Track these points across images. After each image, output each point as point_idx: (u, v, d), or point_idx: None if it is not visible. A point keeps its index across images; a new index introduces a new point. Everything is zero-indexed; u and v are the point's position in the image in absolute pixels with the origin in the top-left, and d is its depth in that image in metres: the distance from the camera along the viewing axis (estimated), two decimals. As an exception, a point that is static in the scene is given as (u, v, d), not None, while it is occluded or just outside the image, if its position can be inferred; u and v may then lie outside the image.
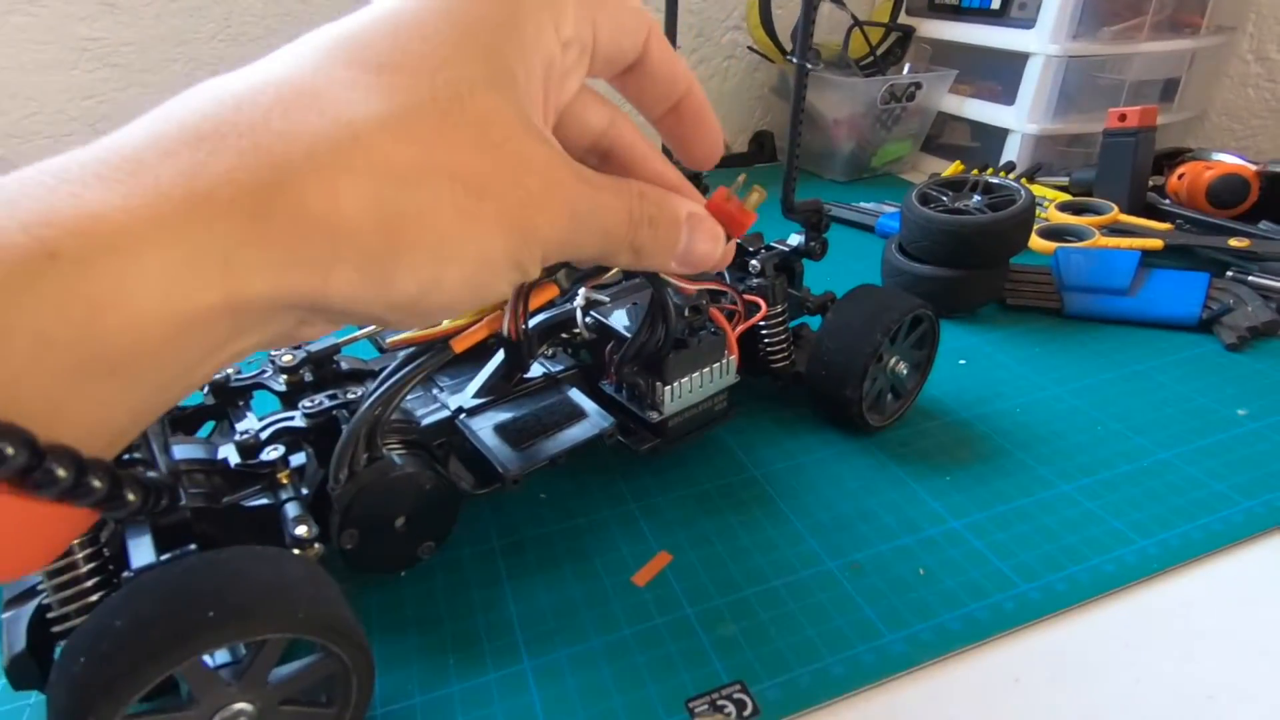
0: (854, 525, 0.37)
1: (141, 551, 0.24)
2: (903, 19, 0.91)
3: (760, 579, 0.34)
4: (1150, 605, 0.33)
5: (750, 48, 0.92)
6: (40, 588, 0.25)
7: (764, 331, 0.43)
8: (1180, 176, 0.69)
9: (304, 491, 0.30)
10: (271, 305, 0.15)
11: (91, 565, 0.24)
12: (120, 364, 0.13)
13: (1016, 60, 0.79)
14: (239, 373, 0.35)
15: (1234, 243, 0.59)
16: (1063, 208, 0.68)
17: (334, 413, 0.32)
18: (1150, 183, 0.72)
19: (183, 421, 0.36)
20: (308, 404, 0.31)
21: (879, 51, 0.88)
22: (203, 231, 0.14)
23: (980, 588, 0.33)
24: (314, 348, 0.34)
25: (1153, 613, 0.32)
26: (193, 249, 0.14)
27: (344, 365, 0.36)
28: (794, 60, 0.39)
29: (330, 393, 0.32)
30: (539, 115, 0.18)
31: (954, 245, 0.54)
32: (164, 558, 0.26)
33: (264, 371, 0.35)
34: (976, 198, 0.57)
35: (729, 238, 0.23)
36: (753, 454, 0.42)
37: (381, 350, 0.37)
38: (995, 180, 0.58)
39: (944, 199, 0.58)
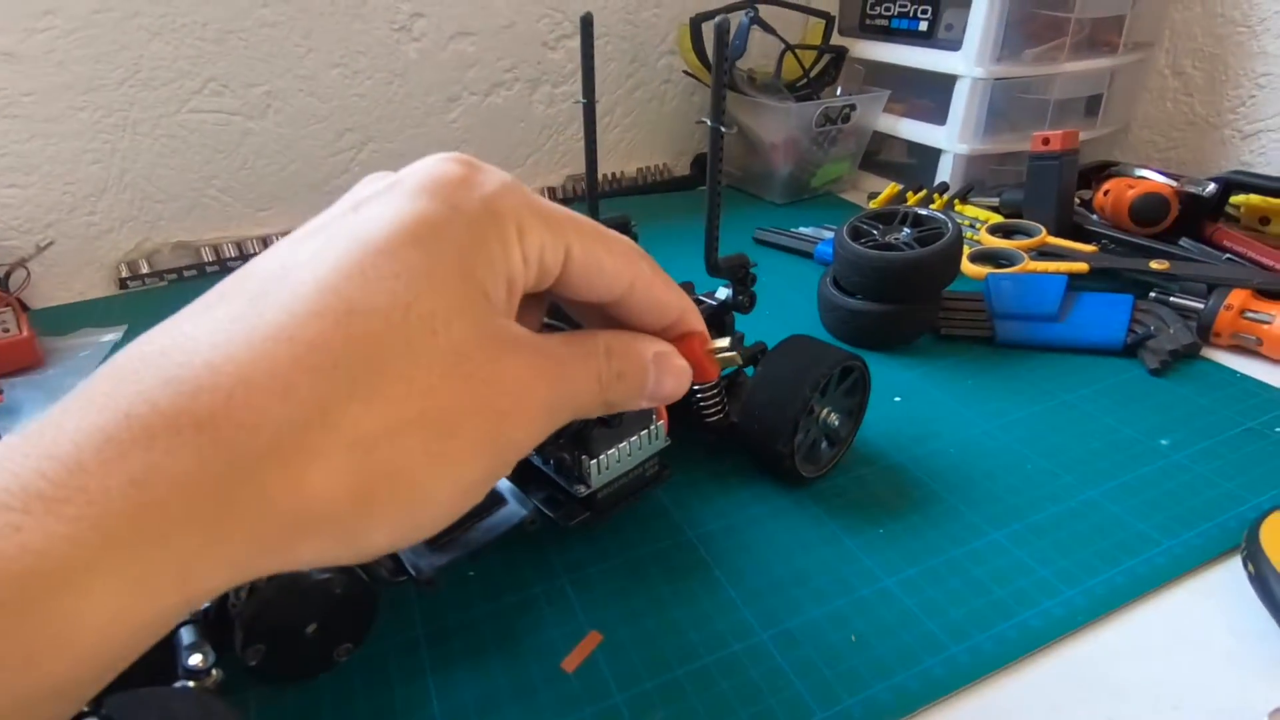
0: (787, 589, 0.37)
1: None
2: (835, 40, 0.91)
3: (692, 656, 0.33)
4: (1076, 660, 0.33)
5: (685, 71, 0.92)
6: None
7: (695, 387, 0.43)
8: (1106, 193, 0.71)
9: (205, 607, 0.29)
10: (231, 585, 0.15)
11: None
12: (65, 689, 0.13)
13: (945, 81, 0.80)
14: None
15: (1155, 265, 0.60)
16: (993, 230, 0.69)
17: None
18: (1078, 198, 0.74)
19: None
20: None
21: (813, 74, 0.88)
22: (157, 550, 0.13)
23: (911, 653, 0.33)
24: None
25: (1078, 669, 0.33)
26: (146, 569, 0.13)
27: None
28: (709, 122, 0.38)
29: None
30: (509, 318, 0.18)
31: (884, 281, 0.54)
32: None
33: None
34: (906, 230, 0.58)
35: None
36: (688, 514, 0.42)
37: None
38: (924, 212, 0.59)
39: (874, 233, 0.58)
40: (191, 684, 0.25)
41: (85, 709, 0.25)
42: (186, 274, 0.74)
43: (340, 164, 0.80)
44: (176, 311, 0.16)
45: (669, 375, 0.21)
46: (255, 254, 0.74)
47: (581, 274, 0.19)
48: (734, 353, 0.23)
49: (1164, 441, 0.46)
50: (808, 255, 0.74)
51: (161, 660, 0.27)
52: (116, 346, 0.61)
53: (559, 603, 0.36)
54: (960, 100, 0.78)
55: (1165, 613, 0.35)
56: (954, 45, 0.78)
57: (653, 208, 0.87)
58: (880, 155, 0.97)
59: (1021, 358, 0.56)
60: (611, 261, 0.20)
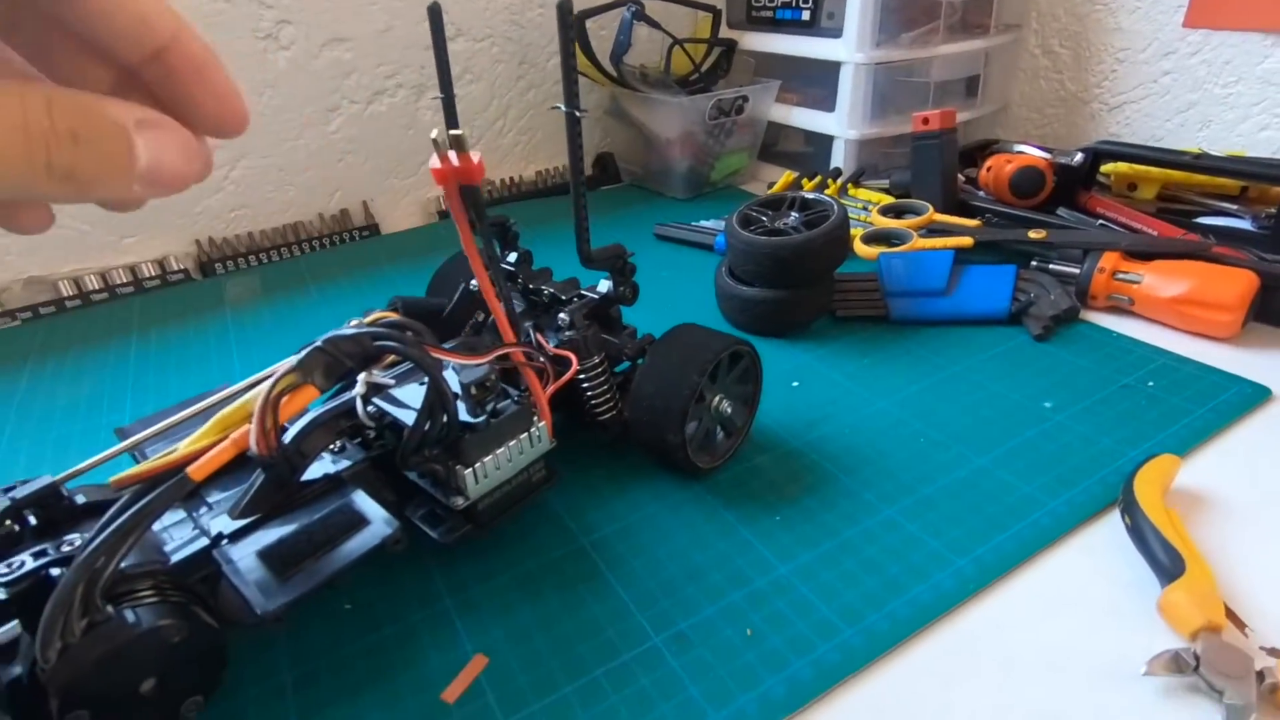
0: (681, 589, 0.35)
1: None
2: (724, 33, 0.91)
3: (582, 671, 0.32)
4: (966, 632, 0.33)
5: (583, 73, 0.90)
6: None
7: (584, 384, 0.41)
8: (988, 169, 0.73)
9: (15, 672, 0.25)
10: None
11: None
12: None
13: (831, 69, 0.81)
14: None
15: (1033, 235, 0.62)
16: (884, 211, 0.70)
17: (44, 573, 0.27)
18: (964, 176, 0.76)
19: None
20: (3, 569, 0.26)
21: (704, 68, 0.88)
22: None
23: (806, 641, 0.32)
24: (25, 490, 0.29)
25: (968, 640, 0.32)
26: None
27: (80, 499, 0.30)
28: (563, 109, 0.37)
29: (37, 548, 0.27)
30: None
31: (775, 267, 0.54)
32: None
33: None
34: (794, 215, 0.57)
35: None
36: (581, 519, 0.40)
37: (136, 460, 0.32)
38: (810, 196, 0.59)
39: (764, 219, 0.58)
40: None
41: None
42: (43, 310, 0.68)
43: (212, 183, 0.75)
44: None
45: (167, 145, 0.16)
46: (121, 284, 0.67)
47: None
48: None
49: (1047, 404, 0.47)
50: (708, 248, 0.74)
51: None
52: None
53: (442, 629, 0.34)
54: (845, 86, 0.79)
55: (1050, 574, 0.35)
56: (836, 33, 0.79)
57: (551, 211, 0.85)
58: (778, 146, 0.98)
59: (914, 333, 0.57)
60: None
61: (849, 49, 0.77)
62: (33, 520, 0.29)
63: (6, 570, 0.26)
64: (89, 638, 0.25)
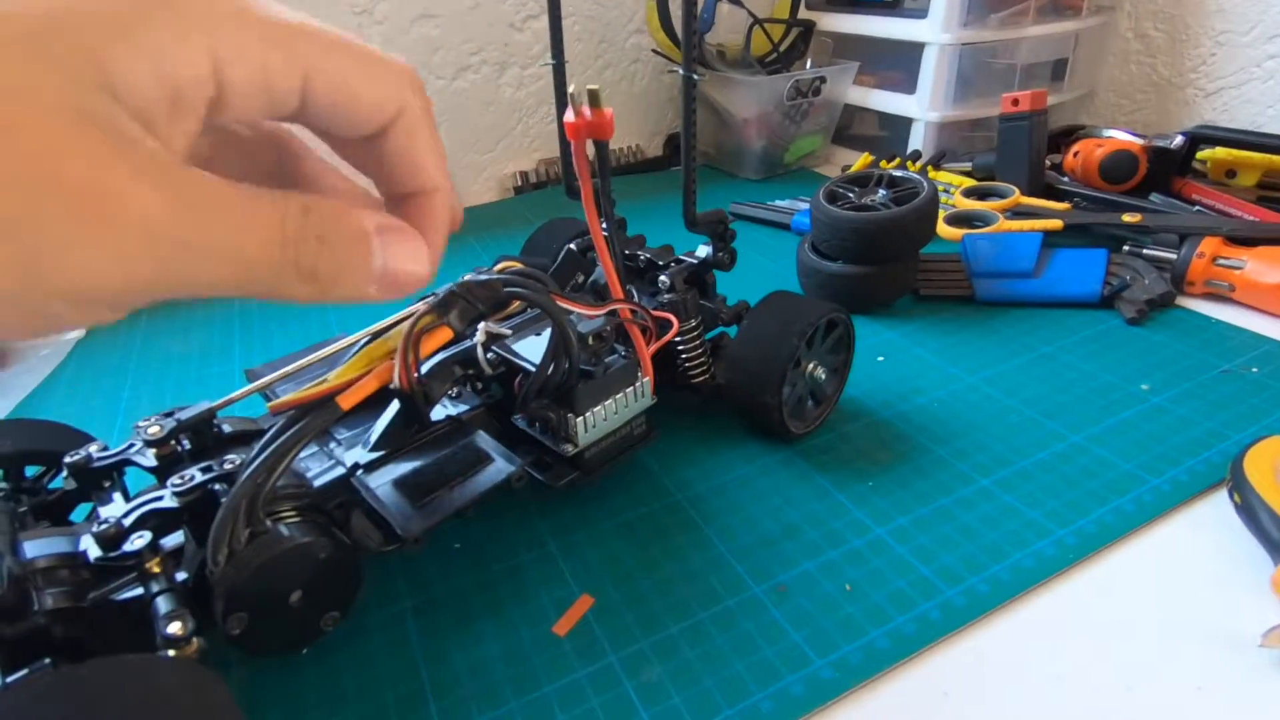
0: (779, 544, 0.36)
1: None
2: (803, 14, 0.91)
3: (686, 613, 0.33)
4: (1069, 598, 0.33)
5: (654, 50, 0.91)
6: None
7: (680, 347, 0.42)
8: (1075, 154, 0.71)
9: (182, 576, 0.28)
10: None
11: None
12: None
13: (913, 50, 0.80)
14: (104, 449, 0.32)
15: (1127, 218, 0.60)
16: (968, 193, 0.69)
17: (210, 487, 0.29)
18: (1049, 161, 0.74)
19: (49, 508, 0.32)
20: (177, 480, 0.28)
21: (782, 48, 0.88)
22: None
23: (906, 598, 0.33)
24: (186, 414, 0.31)
25: (1072, 605, 0.32)
26: None
27: (226, 429, 0.33)
28: (680, 72, 0.37)
29: (204, 465, 0.29)
30: (155, 137, 0.14)
31: (863, 242, 0.54)
32: (13, 678, 0.23)
33: (131, 445, 0.31)
34: (881, 192, 0.57)
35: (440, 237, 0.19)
36: (675, 476, 0.41)
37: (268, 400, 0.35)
38: (899, 173, 0.58)
39: (850, 195, 0.58)
40: (172, 653, 0.25)
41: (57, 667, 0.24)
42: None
43: (306, 153, 0.79)
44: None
45: (403, 251, 0.17)
46: None
47: (327, 105, 0.16)
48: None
49: (1144, 386, 0.46)
50: (784, 227, 0.74)
51: (139, 630, 0.26)
52: (78, 346, 0.60)
53: (548, 569, 0.36)
54: (929, 68, 0.78)
55: (1156, 546, 0.35)
56: (920, 13, 0.78)
57: (626, 189, 0.86)
58: (852, 129, 0.97)
59: (1000, 314, 0.56)
60: (370, 90, 0.16)
61: (934, 29, 0.76)
62: (186, 444, 0.32)
63: (180, 482, 0.28)
64: (252, 546, 0.27)
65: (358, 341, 0.36)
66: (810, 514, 0.38)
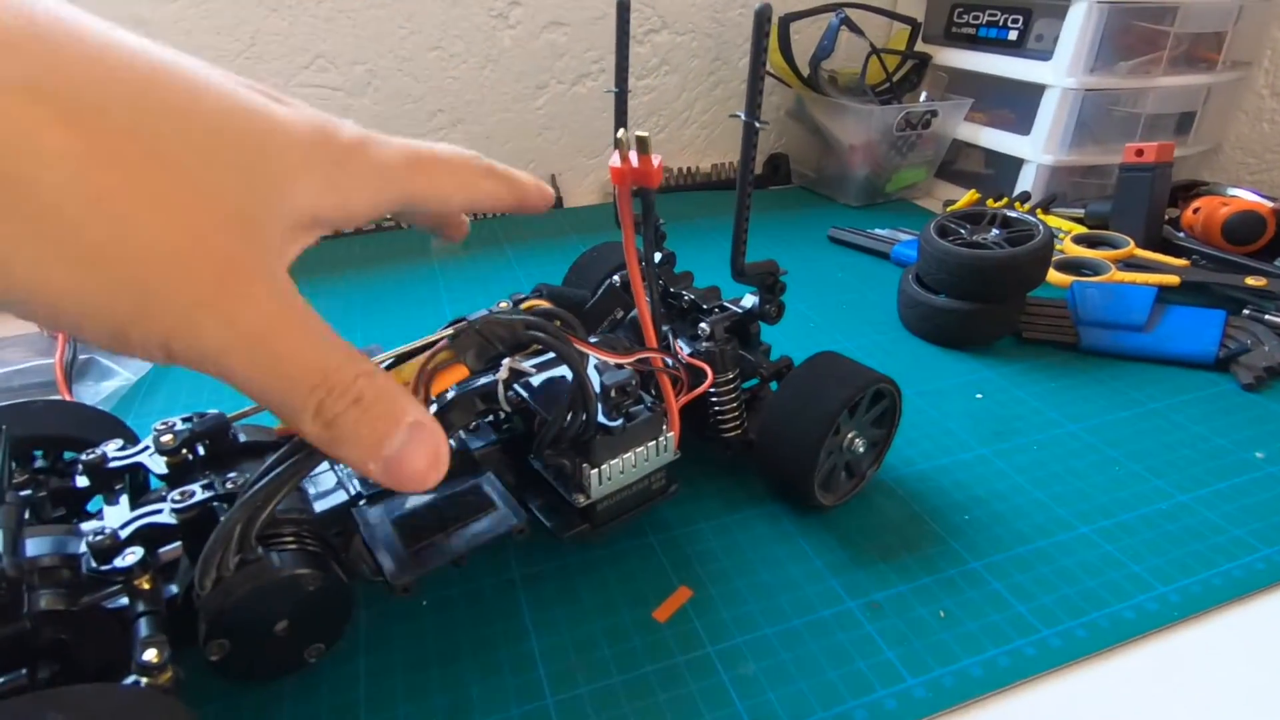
0: (873, 565, 0.37)
1: None
2: (919, 47, 0.91)
3: (781, 618, 0.34)
4: (1172, 654, 0.33)
5: (769, 72, 0.93)
6: None
7: (713, 399, 0.40)
8: (1196, 211, 0.69)
9: (174, 591, 0.27)
10: None
11: None
12: None
13: (1033, 91, 0.79)
14: (121, 448, 0.31)
15: (1251, 281, 0.59)
16: (1078, 240, 0.69)
17: (210, 505, 0.28)
18: (1166, 215, 0.73)
19: (71, 495, 0.31)
20: (177, 497, 0.28)
21: (895, 79, 0.88)
22: None
23: (1001, 632, 0.33)
24: (202, 423, 0.31)
25: (1175, 662, 0.32)
26: None
27: (241, 438, 0.32)
28: (742, 117, 0.34)
29: (206, 482, 0.29)
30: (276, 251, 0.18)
31: (972, 279, 0.54)
32: None
33: (146, 449, 0.31)
34: (995, 231, 0.57)
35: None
36: (767, 490, 0.42)
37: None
38: (1013, 214, 0.58)
39: (962, 231, 0.58)
40: (144, 680, 0.23)
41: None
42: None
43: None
44: None
45: (421, 450, 0.18)
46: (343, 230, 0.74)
47: (422, 209, 0.22)
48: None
49: (1259, 454, 0.45)
50: (884, 256, 0.74)
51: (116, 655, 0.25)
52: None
53: (648, 558, 0.38)
54: (1048, 111, 0.78)
55: (1265, 619, 0.34)
56: (1044, 55, 0.78)
57: (718, 203, 0.88)
58: (956, 164, 0.96)
59: (1106, 365, 0.55)
60: (453, 186, 0.22)
61: (1058, 73, 0.76)
62: (201, 451, 0.31)
63: (180, 498, 0.28)
64: (240, 574, 0.26)
65: (402, 352, 0.34)
66: (904, 539, 0.39)
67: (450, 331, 0.30)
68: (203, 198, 0.15)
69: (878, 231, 0.77)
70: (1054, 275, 0.64)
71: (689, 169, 0.95)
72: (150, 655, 0.23)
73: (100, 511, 0.29)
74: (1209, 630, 0.34)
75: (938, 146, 0.90)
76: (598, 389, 0.32)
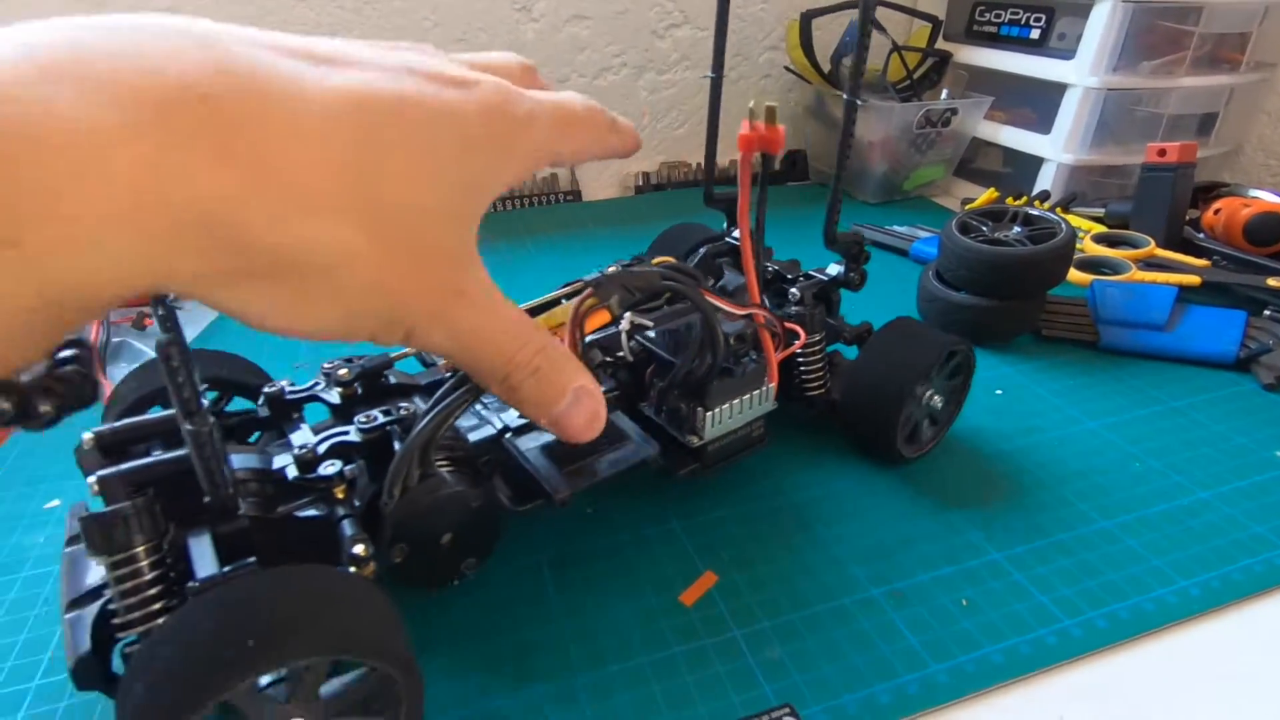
0: (894, 554, 0.38)
1: (204, 562, 0.25)
2: (940, 44, 0.91)
3: (804, 604, 0.35)
4: (1192, 646, 0.33)
5: (787, 68, 0.93)
6: (106, 592, 0.26)
7: (800, 359, 0.43)
8: (1216, 212, 0.69)
9: (356, 504, 0.31)
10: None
11: (155, 573, 0.25)
12: None
13: (1054, 90, 0.79)
14: (292, 384, 0.35)
15: (1273, 282, 0.59)
16: (1098, 239, 0.69)
17: (388, 428, 0.32)
18: (1186, 216, 0.73)
19: (234, 430, 0.35)
20: (363, 419, 0.32)
21: (916, 76, 0.89)
22: None
23: (1023, 621, 0.34)
24: (369, 362, 0.35)
25: (1194, 654, 0.33)
26: None
27: (392, 379, 0.36)
28: (845, 96, 0.39)
29: (385, 408, 0.32)
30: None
31: (993, 276, 0.54)
32: (225, 570, 0.26)
33: (317, 384, 0.35)
34: (1017, 229, 0.58)
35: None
36: (791, 480, 0.43)
37: (426, 366, 0.38)
38: (1035, 212, 0.59)
39: (984, 228, 0.58)
40: (353, 569, 0.27)
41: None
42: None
43: (451, 135, 0.84)
44: None
45: (582, 411, 0.22)
46: None
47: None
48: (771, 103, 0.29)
49: (1279, 453, 0.45)
50: (902, 253, 0.75)
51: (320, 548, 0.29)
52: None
53: (673, 544, 0.38)
54: (1069, 110, 0.78)
55: (1284, 612, 0.35)
56: (1067, 54, 0.78)
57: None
58: (975, 162, 0.96)
59: (1125, 364, 0.55)
60: (590, 143, 0.24)
61: (1080, 72, 0.76)
62: (359, 390, 0.34)
63: (365, 420, 0.31)
64: (421, 486, 0.30)
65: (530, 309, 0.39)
66: (925, 531, 0.39)
67: (594, 280, 0.33)
68: (426, 226, 0.19)
69: (896, 228, 0.78)
70: (1074, 274, 0.64)
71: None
72: (359, 549, 0.27)
73: (284, 438, 0.33)
74: (1228, 624, 0.34)
75: (957, 145, 0.90)
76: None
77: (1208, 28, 0.74)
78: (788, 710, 0.30)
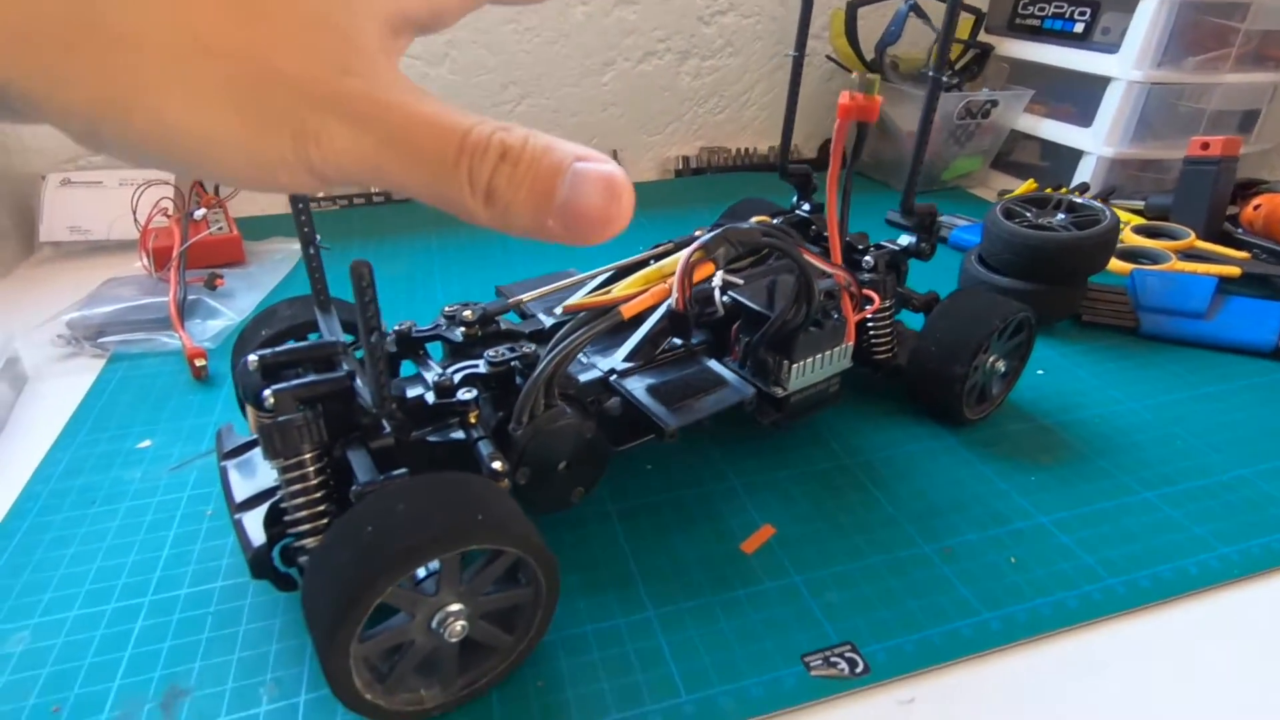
0: (945, 514, 0.39)
1: (364, 470, 0.27)
2: (982, 37, 0.92)
3: (860, 556, 0.37)
4: (1233, 608, 0.35)
5: (829, 57, 0.94)
6: (271, 498, 0.29)
7: (870, 324, 0.46)
8: (1256, 207, 0.70)
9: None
10: None
11: (319, 479, 0.28)
12: None
13: (1096, 84, 0.80)
14: (416, 326, 0.38)
15: (1313, 275, 0.60)
16: (1138, 230, 0.70)
17: (511, 364, 0.34)
18: (1227, 211, 0.73)
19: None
20: (492, 354, 0.34)
21: (958, 67, 0.89)
22: None
23: (1068, 578, 0.36)
24: (491, 307, 0.38)
25: (1236, 615, 0.34)
26: None
27: (501, 326, 0.39)
28: (930, 74, 0.42)
29: (509, 345, 0.35)
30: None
31: (1037, 260, 0.56)
32: (380, 477, 0.28)
33: (439, 324, 0.38)
34: (1061, 215, 0.59)
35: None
36: (845, 443, 0.45)
37: (524, 317, 0.40)
38: (1079, 199, 0.60)
39: (1028, 214, 0.60)
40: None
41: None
42: (356, 200, 0.81)
43: (499, 115, 0.86)
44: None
45: (593, 188, 0.15)
46: None
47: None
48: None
49: (1317, 437, 0.47)
50: (941, 240, 0.76)
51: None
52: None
53: (732, 499, 0.40)
54: (1112, 103, 0.78)
55: (1322, 579, 0.36)
56: (1111, 48, 0.78)
57: (771, 184, 0.90)
58: (1012, 155, 0.97)
59: (1164, 350, 0.57)
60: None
61: (1124, 66, 0.76)
62: (479, 332, 0.37)
63: (494, 355, 0.34)
64: (545, 415, 0.32)
65: (603, 272, 0.41)
66: (974, 494, 0.41)
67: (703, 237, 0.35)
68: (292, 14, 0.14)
69: (935, 216, 0.79)
70: (1114, 263, 0.65)
71: (747, 150, 0.97)
72: (497, 465, 0.30)
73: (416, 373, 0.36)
74: (1268, 589, 0.36)
75: (995, 136, 0.91)
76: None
77: (1254, 25, 0.74)
78: (849, 647, 0.32)
